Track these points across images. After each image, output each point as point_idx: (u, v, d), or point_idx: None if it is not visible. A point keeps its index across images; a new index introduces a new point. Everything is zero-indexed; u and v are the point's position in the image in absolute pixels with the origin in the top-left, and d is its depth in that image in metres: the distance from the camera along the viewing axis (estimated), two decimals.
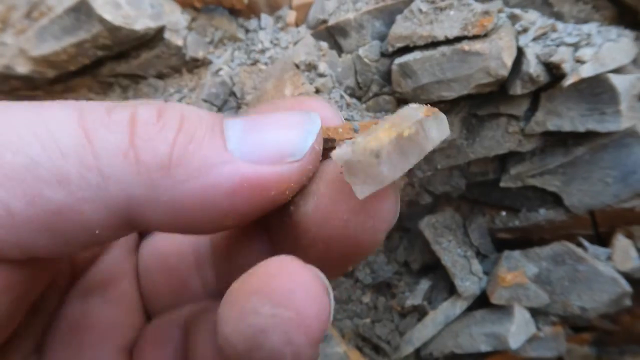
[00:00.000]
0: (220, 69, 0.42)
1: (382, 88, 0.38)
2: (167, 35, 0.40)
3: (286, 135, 0.14)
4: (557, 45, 0.28)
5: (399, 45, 0.34)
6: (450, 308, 0.36)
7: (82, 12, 0.38)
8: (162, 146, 0.13)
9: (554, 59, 0.28)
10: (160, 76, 0.44)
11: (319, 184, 0.14)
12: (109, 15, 0.37)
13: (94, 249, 0.17)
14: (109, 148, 0.13)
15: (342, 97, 0.40)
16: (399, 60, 0.34)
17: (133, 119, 0.13)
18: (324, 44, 0.41)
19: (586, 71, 0.27)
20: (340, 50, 0.41)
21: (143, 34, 0.39)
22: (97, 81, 0.45)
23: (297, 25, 0.43)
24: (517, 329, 0.31)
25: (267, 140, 0.13)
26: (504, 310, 0.33)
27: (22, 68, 0.41)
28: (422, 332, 0.36)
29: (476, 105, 0.35)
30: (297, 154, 0.13)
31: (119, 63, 0.43)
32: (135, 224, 0.13)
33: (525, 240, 0.37)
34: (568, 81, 0.28)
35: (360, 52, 0.38)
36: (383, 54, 0.37)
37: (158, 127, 0.13)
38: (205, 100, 0.41)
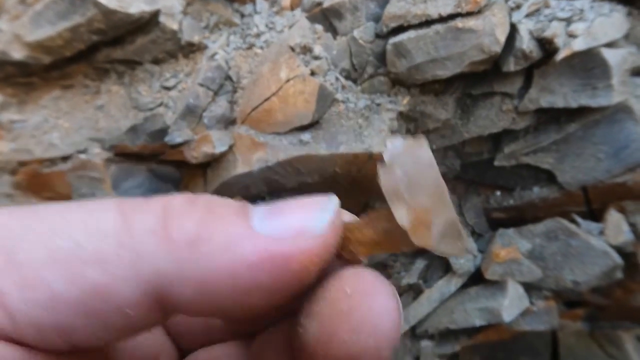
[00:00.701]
0: (215, 54, 0.42)
1: (377, 69, 0.38)
2: (162, 19, 0.40)
3: (306, 213, 0.15)
4: (550, 21, 0.28)
5: (393, 25, 0.34)
6: (445, 286, 0.36)
7: None
8: (190, 224, 0.14)
9: (547, 34, 0.28)
10: (156, 61, 0.44)
11: (321, 304, 0.15)
12: None
13: (129, 338, 0.17)
14: (143, 228, 0.14)
15: (337, 79, 0.40)
16: (393, 40, 0.34)
17: (165, 204, 0.15)
18: (319, 27, 0.41)
19: (578, 45, 0.27)
20: (335, 32, 0.41)
21: (138, 18, 0.39)
22: (92, 67, 0.45)
23: (292, 8, 0.43)
24: (510, 303, 0.32)
25: (288, 219, 0.15)
26: (498, 285, 0.33)
27: (18, 54, 0.41)
28: (417, 310, 0.37)
29: (470, 85, 0.35)
30: (317, 229, 0.15)
31: (115, 49, 0.43)
32: (165, 304, 0.14)
33: (519, 219, 0.37)
34: (560, 55, 0.28)
35: (355, 33, 0.38)
36: (378, 35, 0.37)
37: (188, 208, 0.15)
38: (201, 85, 0.41)
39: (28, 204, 0.42)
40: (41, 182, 0.42)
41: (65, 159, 0.42)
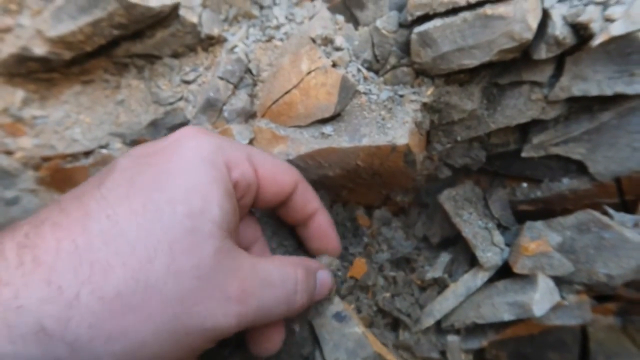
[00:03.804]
0: (235, 46, 0.42)
1: (400, 60, 0.37)
2: (182, 12, 0.40)
3: None
4: (585, 5, 0.27)
5: (418, 13, 0.33)
6: (471, 280, 0.36)
7: None
8: None
9: (582, 18, 0.27)
10: (176, 55, 0.44)
11: None
12: None
13: None
14: None
15: (359, 70, 0.39)
16: (418, 29, 0.34)
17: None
18: (340, 17, 0.40)
19: (617, 29, 0.26)
20: (356, 23, 0.40)
21: (158, 11, 0.39)
22: (112, 62, 0.45)
23: None
24: (541, 297, 0.31)
25: None
26: (527, 279, 0.33)
27: (39, 49, 0.41)
28: (442, 305, 0.36)
29: (497, 74, 0.34)
30: None
31: (134, 43, 0.43)
32: None
33: (547, 211, 0.36)
34: (597, 41, 0.27)
35: (378, 23, 0.37)
36: (401, 25, 0.36)
37: None
38: (221, 78, 0.41)
39: (52, 199, 0.43)
40: (64, 178, 0.42)
41: (87, 154, 0.42)
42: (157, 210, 0.21)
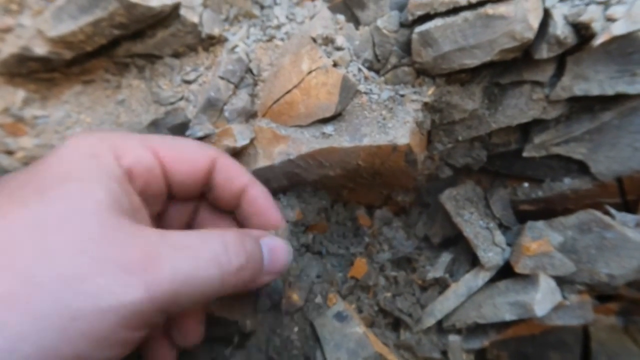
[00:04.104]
0: (236, 46, 0.42)
1: (401, 59, 0.37)
2: (182, 12, 0.40)
3: None
4: (587, 4, 0.27)
5: (419, 13, 0.33)
6: (472, 280, 0.36)
7: None
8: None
9: (583, 18, 0.27)
10: (176, 55, 0.44)
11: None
12: None
13: None
14: None
15: (360, 70, 0.39)
16: (419, 28, 0.34)
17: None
18: (341, 17, 0.40)
19: (618, 29, 0.26)
20: (357, 22, 0.40)
21: (159, 11, 0.39)
22: (113, 62, 0.45)
23: None
24: (543, 297, 0.31)
25: None
26: (529, 279, 0.33)
27: (40, 49, 0.41)
28: (444, 304, 0.36)
29: (498, 74, 0.34)
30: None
31: (135, 43, 0.43)
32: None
33: (548, 211, 0.36)
34: (598, 40, 0.27)
35: (379, 23, 0.37)
36: (402, 24, 0.36)
37: None
38: (221, 78, 0.41)
39: None
40: None
41: None
42: (40, 202, 0.20)
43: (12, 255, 0.19)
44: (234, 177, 0.30)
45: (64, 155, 0.24)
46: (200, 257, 0.22)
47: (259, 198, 0.30)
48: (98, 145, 0.25)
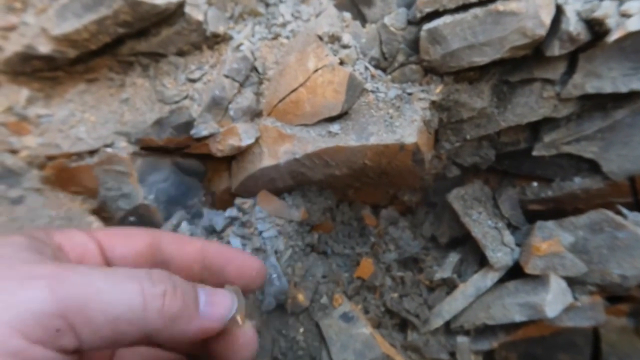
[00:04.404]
0: (241, 44, 0.42)
1: (408, 57, 0.37)
2: (187, 10, 0.40)
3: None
4: (600, 0, 0.27)
5: (428, 10, 0.33)
6: (481, 280, 0.35)
7: None
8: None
9: (597, 14, 0.27)
10: (181, 53, 0.43)
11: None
12: None
13: None
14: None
15: (366, 68, 0.39)
16: (427, 26, 0.33)
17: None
18: (347, 15, 0.40)
19: (633, 25, 0.26)
20: (364, 20, 0.40)
21: (164, 9, 0.38)
22: (117, 60, 0.45)
23: None
24: (554, 298, 0.31)
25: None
26: (539, 280, 0.32)
27: (44, 48, 0.41)
28: (452, 305, 0.36)
29: (508, 71, 0.34)
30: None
31: (139, 41, 0.42)
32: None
33: (558, 211, 0.36)
34: (613, 36, 0.26)
35: (386, 20, 0.37)
36: (410, 22, 0.36)
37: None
38: (226, 76, 0.41)
39: (56, 198, 0.42)
40: (69, 177, 0.42)
41: (92, 153, 0.42)
42: None
43: None
44: (185, 243, 0.27)
45: None
46: (117, 272, 0.20)
47: (222, 249, 0.27)
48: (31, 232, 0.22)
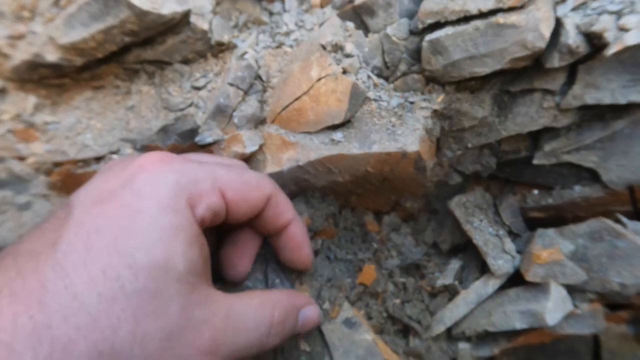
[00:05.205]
0: (245, 53, 0.42)
1: (410, 67, 0.38)
2: (192, 19, 0.40)
3: None
4: (599, 14, 0.27)
5: (430, 21, 0.34)
6: (482, 287, 0.35)
7: None
8: None
9: (596, 28, 0.27)
10: (186, 61, 0.44)
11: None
12: (136, 0, 0.37)
13: None
14: None
15: (369, 77, 0.39)
16: (429, 36, 0.34)
17: None
18: (350, 24, 0.40)
19: (631, 39, 0.26)
20: (366, 30, 0.40)
21: (170, 18, 0.39)
22: (123, 68, 0.45)
23: (322, 6, 0.43)
24: (554, 306, 0.31)
25: None
26: (539, 287, 0.33)
27: (51, 56, 0.41)
28: (453, 312, 0.36)
29: (508, 82, 0.34)
30: None
31: (145, 49, 0.43)
32: None
33: (558, 218, 0.36)
34: (611, 50, 0.27)
35: (389, 30, 0.37)
36: (412, 32, 0.36)
37: None
38: (231, 84, 0.41)
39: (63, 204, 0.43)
40: (75, 183, 0.43)
41: (98, 159, 0.43)
42: (118, 278, 0.21)
43: (84, 325, 0.20)
44: (281, 213, 0.31)
45: (143, 208, 0.23)
46: (251, 340, 0.26)
47: (297, 236, 0.33)
48: (176, 195, 0.24)
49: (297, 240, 0.33)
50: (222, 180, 0.27)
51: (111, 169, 0.27)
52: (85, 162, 0.42)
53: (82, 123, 0.44)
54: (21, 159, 0.42)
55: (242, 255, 0.33)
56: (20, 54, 0.41)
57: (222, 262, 0.33)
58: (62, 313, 0.20)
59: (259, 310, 0.27)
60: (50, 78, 0.44)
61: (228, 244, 0.34)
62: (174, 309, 0.22)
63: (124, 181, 0.24)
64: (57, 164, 0.42)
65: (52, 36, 0.41)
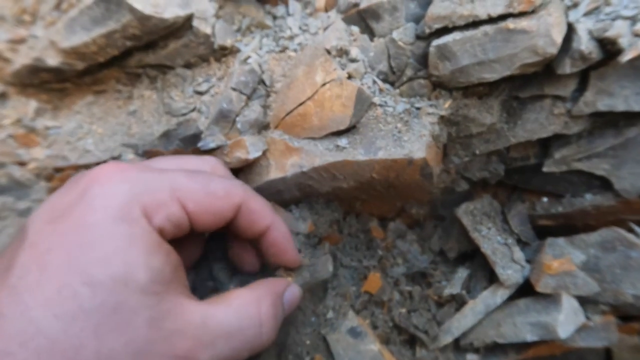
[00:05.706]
0: (248, 57, 0.42)
1: (417, 72, 0.37)
2: (195, 23, 0.40)
3: None
4: (613, 19, 0.27)
5: (437, 26, 0.33)
6: (490, 297, 0.35)
7: (112, 2, 0.37)
8: None
9: (609, 33, 0.26)
10: (188, 66, 0.43)
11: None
12: (139, 4, 0.37)
13: None
14: None
15: (374, 82, 0.39)
16: (437, 42, 0.33)
17: None
18: (355, 29, 0.40)
19: None
20: (372, 34, 0.40)
21: (172, 23, 0.38)
22: (124, 72, 0.45)
23: (326, 10, 0.42)
24: (566, 318, 0.30)
25: None
26: (550, 299, 0.32)
27: (53, 60, 0.41)
28: (461, 322, 0.35)
29: (517, 87, 0.34)
30: None
31: (147, 53, 0.43)
32: None
33: (568, 227, 0.35)
34: (626, 56, 0.26)
35: (394, 35, 0.37)
36: (419, 37, 0.36)
37: None
38: (234, 89, 0.41)
39: None
40: None
41: (99, 164, 0.42)
42: (75, 296, 0.20)
43: (43, 350, 0.19)
44: (256, 220, 0.30)
45: (96, 221, 0.22)
46: (238, 344, 0.25)
47: (278, 241, 0.31)
48: (130, 204, 0.23)
49: (278, 246, 0.32)
50: (182, 190, 0.26)
51: (67, 184, 0.26)
52: (87, 167, 0.42)
53: (83, 128, 0.44)
54: (22, 164, 0.41)
55: (247, 250, 0.34)
56: (21, 58, 0.41)
57: (234, 262, 0.34)
58: (20, 339, 0.19)
59: (243, 310, 0.25)
60: (51, 82, 0.44)
61: (233, 243, 0.34)
62: (140, 322, 0.21)
63: (77, 196, 0.23)
64: (58, 170, 0.42)
65: (53, 40, 0.40)
